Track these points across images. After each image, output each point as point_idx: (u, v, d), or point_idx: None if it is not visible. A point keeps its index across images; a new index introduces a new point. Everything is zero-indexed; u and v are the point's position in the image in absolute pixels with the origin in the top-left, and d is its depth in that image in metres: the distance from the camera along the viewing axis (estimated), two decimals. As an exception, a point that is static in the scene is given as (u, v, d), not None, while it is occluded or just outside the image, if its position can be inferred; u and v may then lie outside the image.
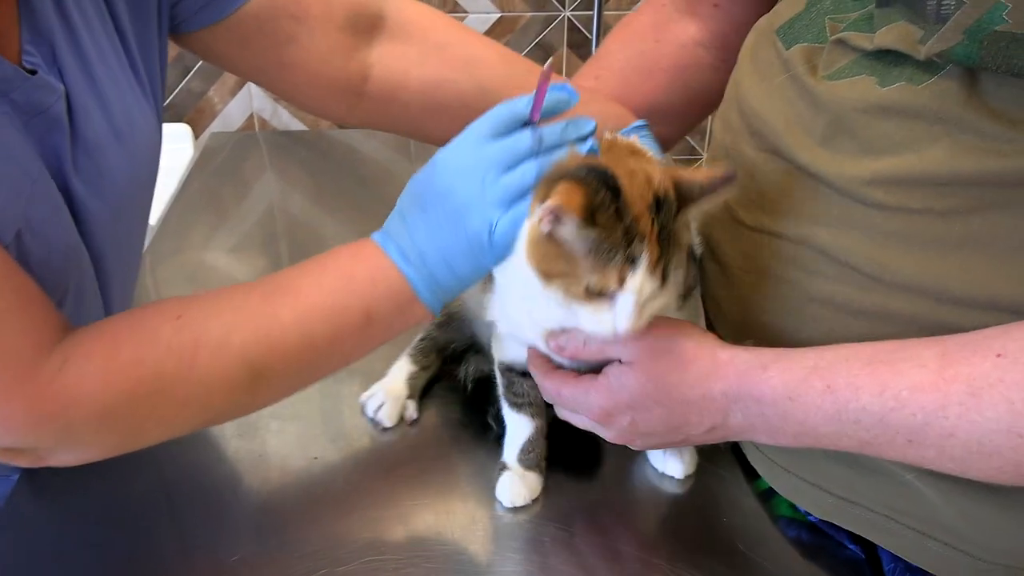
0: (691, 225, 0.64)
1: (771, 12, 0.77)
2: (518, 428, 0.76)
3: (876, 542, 0.69)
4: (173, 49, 0.82)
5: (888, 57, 0.62)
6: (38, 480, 0.76)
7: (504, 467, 0.76)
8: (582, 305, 0.61)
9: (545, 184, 0.61)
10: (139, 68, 0.76)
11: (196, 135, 2.01)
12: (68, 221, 0.69)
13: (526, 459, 0.76)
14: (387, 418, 0.82)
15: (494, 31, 1.99)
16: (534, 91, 0.65)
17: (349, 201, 1.32)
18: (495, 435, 0.79)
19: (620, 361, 0.66)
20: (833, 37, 0.67)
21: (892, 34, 0.62)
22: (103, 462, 0.65)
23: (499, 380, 0.77)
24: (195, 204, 1.30)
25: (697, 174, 0.61)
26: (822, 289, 0.65)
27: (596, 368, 0.68)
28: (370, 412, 0.83)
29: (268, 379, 0.65)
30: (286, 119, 2.01)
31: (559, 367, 0.70)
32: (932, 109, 0.59)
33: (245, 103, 2.00)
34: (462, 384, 0.86)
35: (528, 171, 0.63)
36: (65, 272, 0.70)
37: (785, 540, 0.73)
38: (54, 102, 0.65)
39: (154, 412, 0.63)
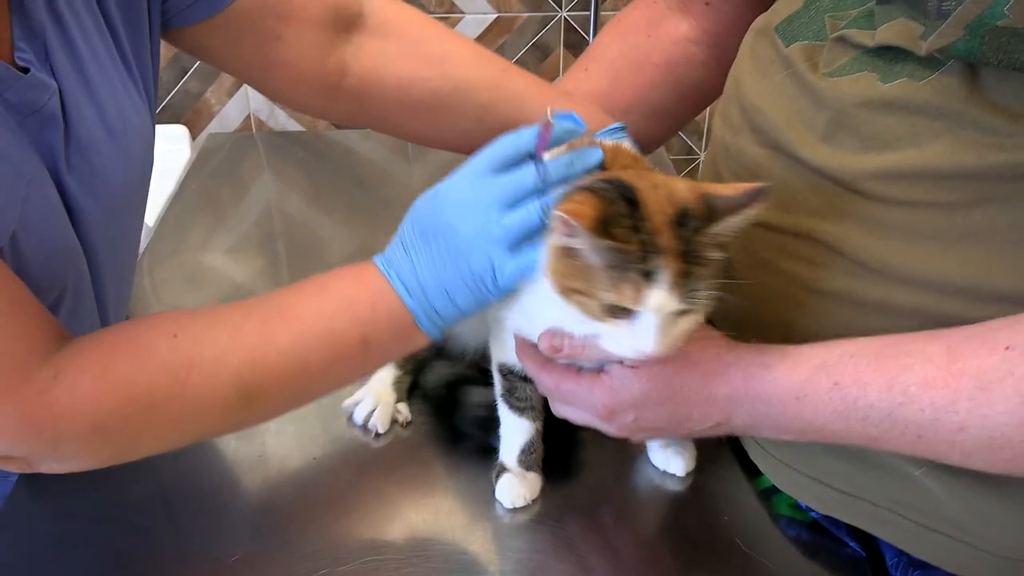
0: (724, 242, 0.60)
1: (769, 11, 0.77)
2: (518, 430, 0.75)
3: (879, 536, 0.69)
4: (169, 50, 0.82)
5: (889, 54, 0.62)
6: (38, 480, 0.76)
7: (503, 469, 0.75)
8: (602, 323, 0.60)
9: (563, 199, 0.59)
10: (131, 65, 0.75)
11: (193, 136, 2.00)
12: (64, 221, 0.69)
13: (527, 460, 0.75)
14: (380, 424, 0.82)
15: (491, 31, 1.99)
16: (537, 123, 0.64)
17: (346, 201, 1.32)
18: (490, 436, 0.78)
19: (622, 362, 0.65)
20: (834, 35, 0.67)
21: (893, 30, 0.62)
22: (103, 462, 0.65)
23: (498, 382, 0.76)
24: (193, 205, 1.30)
25: (726, 188, 0.59)
26: (824, 283, 0.66)
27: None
28: (359, 419, 0.82)
29: (261, 401, 0.65)
30: (283, 120, 2.01)
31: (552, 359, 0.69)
32: (933, 105, 0.59)
33: (242, 104, 2.00)
34: (463, 359, 0.86)
35: (533, 210, 0.62)
36: (61, 274, 0.70)
37: (785, 539, 0.73)
38: (47, 100, 0.65)
39: (145, 429, 0.63)
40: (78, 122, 0.68)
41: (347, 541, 0.71)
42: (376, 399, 0.83)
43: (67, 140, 0.68)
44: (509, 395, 0.75)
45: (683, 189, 0.59)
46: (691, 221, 0.58)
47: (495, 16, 1.98)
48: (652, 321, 0.58)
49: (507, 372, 0.74)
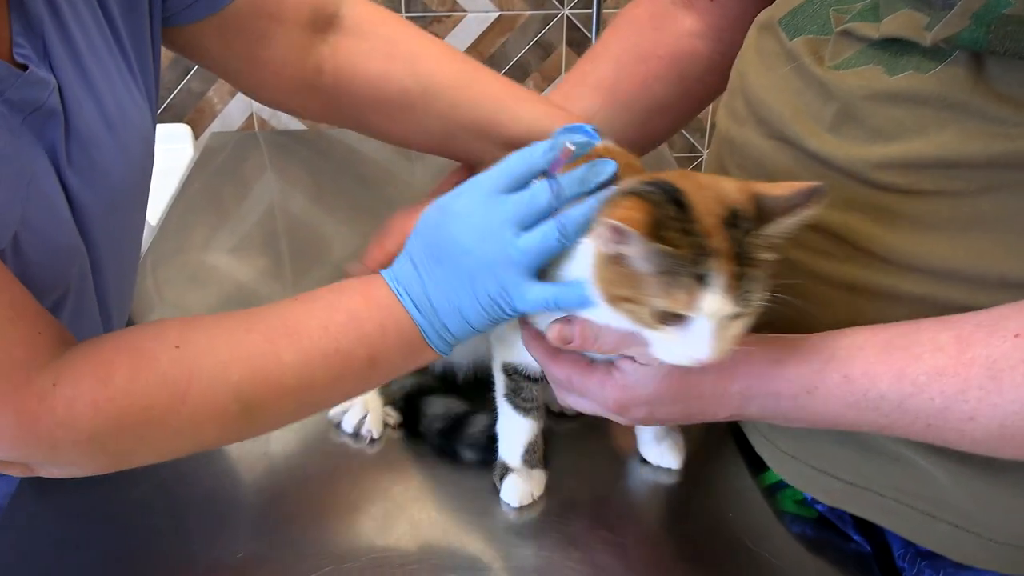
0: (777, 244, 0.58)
1: (773, 5, 0.77)
2: (522, 430, 0.74)
3: (886, 526, 0.69)
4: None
5: (894, 46, 0.62)
6: (41, 481, 0.75)
7: (507, 468, 0.75)
8: (653, 331, 0.58)
9: (608, 206, 0.57)
10: (130, 59, 0.75)
11: (196, 135, 2.00)
12: (67, 218, 0.68)
13: (531, 459, 0.75)
14: (375, 430, 0.81)
15: (493, 30, 1.99)
16: (549, 140, 0.63)
17: (349, 200, 1.32)
18: (492, 435, 0.77)
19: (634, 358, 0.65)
20: (839, 28, 0.67)
21: (898, 22, 0.62)
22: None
23: (501, 381, 0.75)
24: (195, 205, 1.30)
25: (778, 188, 0.57)
26: (832, 272, 0.65)
27: None
28: (349, 427, 0.82)
29: (262, 414, 0.64)
30: (285, 119, 2.01)
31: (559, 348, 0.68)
32: (940, 96, 0.59)
33: (245, 103, 2.00)
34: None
35: (550, 233, 0.61)
36: (64, 273, 0.69)
37: (790, 535, 0.72)
38: (47, 96, 0.65)
39: (142, 440, 0.62)
40: (77, 116, 0.68)
41: (351, 539, 0.71)
42: (364, 406, 0.82)
43: (67, 134, 0.68)
44: (514, 395, 0.74)
45: (732, 189, 0.57)
46: (742, 222, 0.56)
47: (497, 14, 1.98)
48: (707, 326, 0.55)
49: (512, 372, 0.73)
